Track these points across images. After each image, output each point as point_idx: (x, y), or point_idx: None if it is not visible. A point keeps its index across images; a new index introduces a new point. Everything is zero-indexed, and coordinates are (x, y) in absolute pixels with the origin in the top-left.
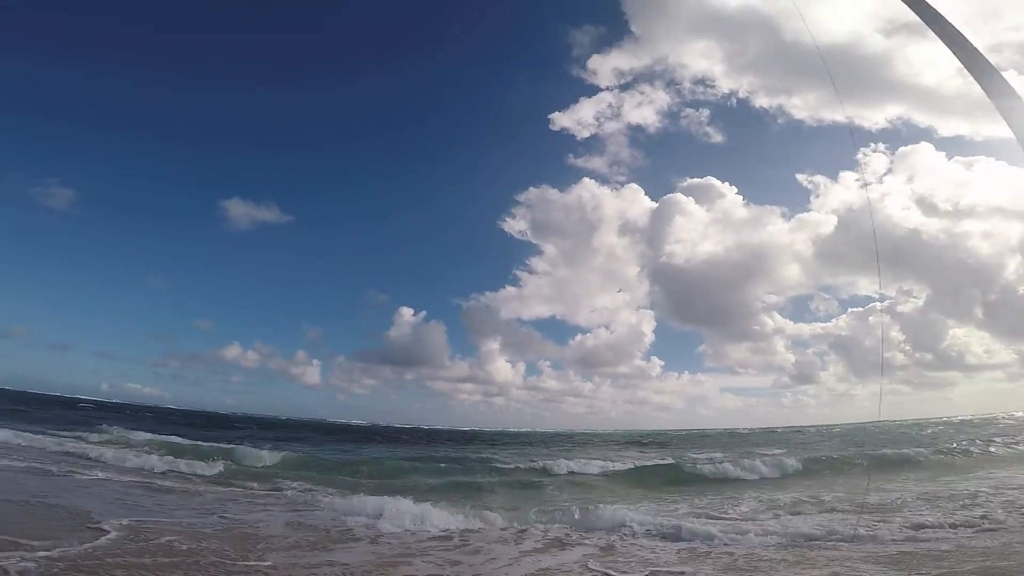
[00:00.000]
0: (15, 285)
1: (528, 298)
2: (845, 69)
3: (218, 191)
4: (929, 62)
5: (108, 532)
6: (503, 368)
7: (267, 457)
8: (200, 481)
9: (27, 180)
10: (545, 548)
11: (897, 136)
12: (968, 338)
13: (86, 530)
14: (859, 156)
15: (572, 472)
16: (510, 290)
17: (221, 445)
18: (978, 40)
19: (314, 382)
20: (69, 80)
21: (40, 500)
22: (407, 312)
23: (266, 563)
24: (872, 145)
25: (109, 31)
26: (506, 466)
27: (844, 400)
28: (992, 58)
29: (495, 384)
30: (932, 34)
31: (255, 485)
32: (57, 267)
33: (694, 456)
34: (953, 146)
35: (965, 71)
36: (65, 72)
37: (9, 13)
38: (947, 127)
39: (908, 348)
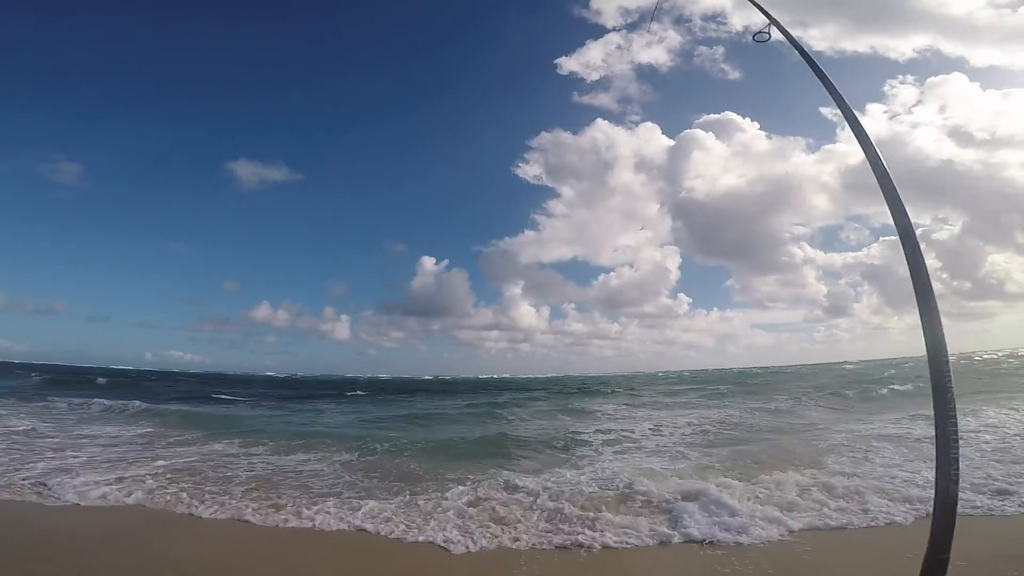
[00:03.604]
0: (47, 264)
1: (547, 241)
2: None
3: (223, 153)
4: None
5: None
6: (527, 313)
7: None
8: None
9: (34, 158)
10: None
11: (926, 67)
12: (1008, 264)
13: None
14: (885, 88)
15: None
16: (529, 234)
17: None
18: None
19: (344, 337)
20: (59, 44)
21: None
22: (428, 261)
23: None
24: (900, 76)
25: None
26: None
27: (879, 333)
28: None
29: (520, 330)
30: None
31: None
32: (83, 242)
33: None
34: (987, 76)
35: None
36: (52, 34)
37: None
38: (980, 57)
39: (944, 276)
